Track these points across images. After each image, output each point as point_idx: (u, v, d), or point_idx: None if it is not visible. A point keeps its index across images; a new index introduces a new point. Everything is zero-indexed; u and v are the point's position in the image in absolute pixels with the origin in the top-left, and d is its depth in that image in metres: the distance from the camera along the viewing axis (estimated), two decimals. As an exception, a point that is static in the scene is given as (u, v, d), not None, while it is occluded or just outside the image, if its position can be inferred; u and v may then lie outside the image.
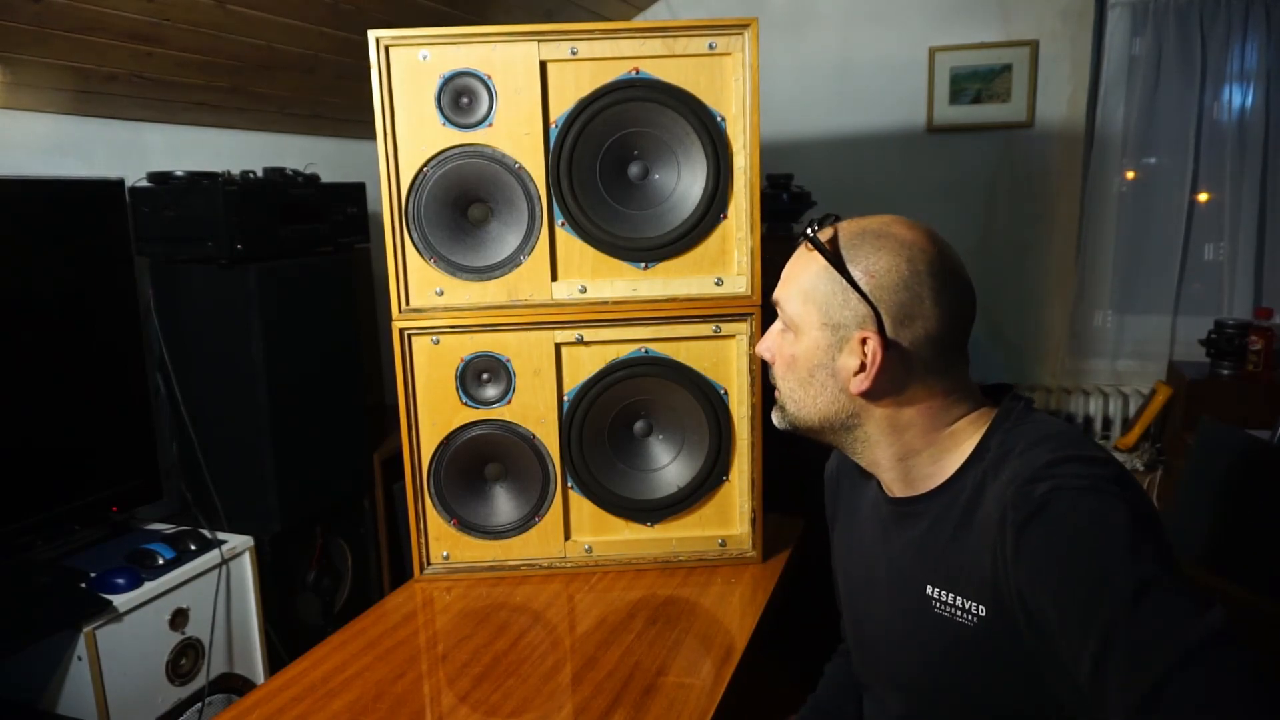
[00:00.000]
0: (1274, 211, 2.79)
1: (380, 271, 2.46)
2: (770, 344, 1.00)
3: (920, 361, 0.91)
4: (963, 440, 0.92)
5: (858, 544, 1.07)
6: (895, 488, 0.98)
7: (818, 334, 0.93)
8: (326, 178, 2.19)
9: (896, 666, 0.99)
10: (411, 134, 1.45)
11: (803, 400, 0.96)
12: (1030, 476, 0.81)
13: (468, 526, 1.56)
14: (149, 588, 1.63)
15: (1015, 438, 0.88)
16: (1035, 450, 0.84)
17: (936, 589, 0.90)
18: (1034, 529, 0.78)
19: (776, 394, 1.00)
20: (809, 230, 0.94)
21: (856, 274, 0.90)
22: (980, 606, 0.85)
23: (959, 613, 0.87)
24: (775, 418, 1.01)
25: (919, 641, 0.93)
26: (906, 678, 0.97)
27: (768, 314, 1.52)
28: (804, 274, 0.94)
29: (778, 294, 0.98)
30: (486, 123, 1.45)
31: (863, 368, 0.90)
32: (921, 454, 0.94)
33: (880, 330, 0.89)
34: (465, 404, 1.52)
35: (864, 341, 0.89)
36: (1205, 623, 0.69)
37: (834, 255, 0.91)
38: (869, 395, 0.92)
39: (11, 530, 1.63)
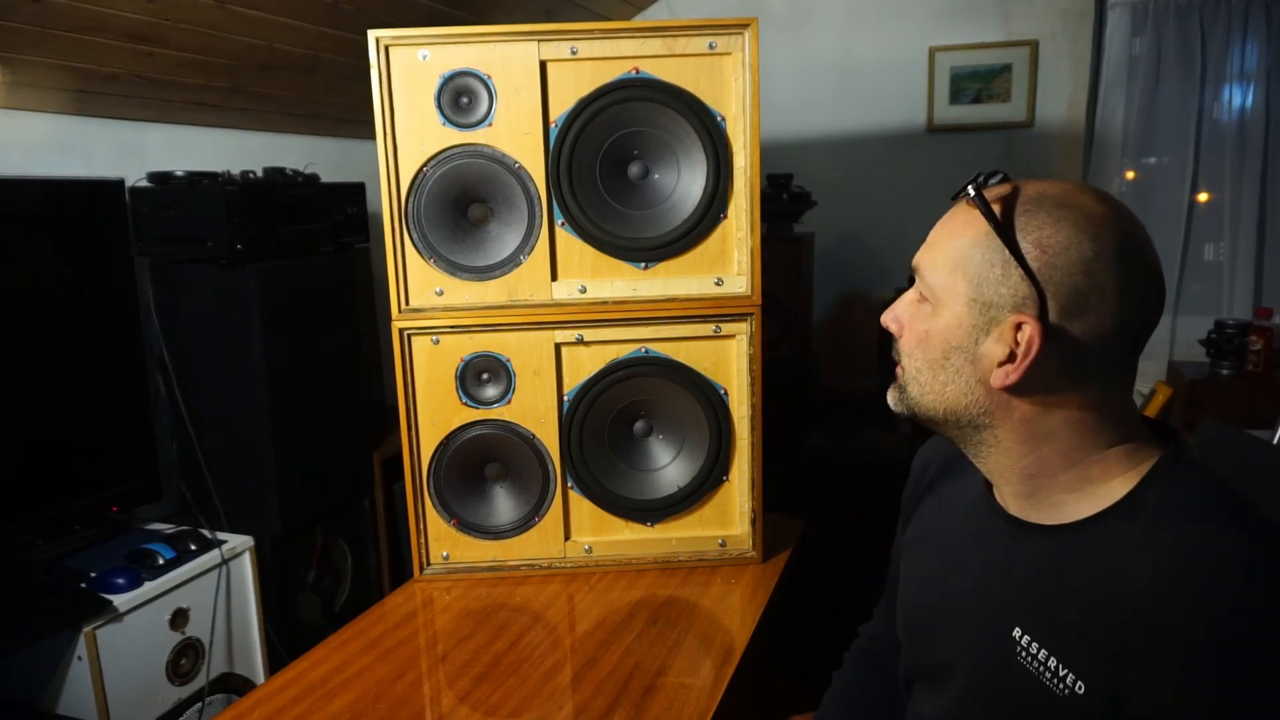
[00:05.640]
0: (1274, 211, 2.80)
1: (380, 271, 2.46)
2: (900, 312, 0.85)
3: (1083, 363, 0.76)
4: (1113, 476, 0.78)
5: (938, 544, 0.96)
6: (1013, 503, 0.85)
7: (962, 310, 0.78)
8: (326, 178, 2.19)
9: (953, 689, 0.88)
10: (411, 134, 1.45)
11: (929, 385, 0.82)
12: (1214, 577, 0.69)
13: (468, 526, 1.56)
14: (149, 588, 1.64)
15: (1179, 495, 0.75)
16: (1210, 525, 0.73)
17: (1027, 636, 0.78)
18: (1217, 653, 0.67)
19: (899, 371, 0.86)
20: (972, 185, 0.78)
21: (1026, 246, 0.74)
22: (1079, 683, 0.73)
23: (1048, 674, 0.76)
24: (892, 399, 0.88)
25: (990, 683, 0.82)
26: (959, 705, 0.87)
27: (768, 314, 1.53)
28: (957, 238, 0.79)
29: (919, 258, 0.83)
30: (486, 122, 1.45)
31: (1011, 358, 0.76)
32: (1058, 477, 0.80)
33: (1042, 317, 0.74)
34: (465, 404, 1.52)
35: (1018, 327, 0.75)
36: None
37: (1003, 220, 0.76)
38: (1014, 391, 0.78)
39: (11, 530, 1.63)
